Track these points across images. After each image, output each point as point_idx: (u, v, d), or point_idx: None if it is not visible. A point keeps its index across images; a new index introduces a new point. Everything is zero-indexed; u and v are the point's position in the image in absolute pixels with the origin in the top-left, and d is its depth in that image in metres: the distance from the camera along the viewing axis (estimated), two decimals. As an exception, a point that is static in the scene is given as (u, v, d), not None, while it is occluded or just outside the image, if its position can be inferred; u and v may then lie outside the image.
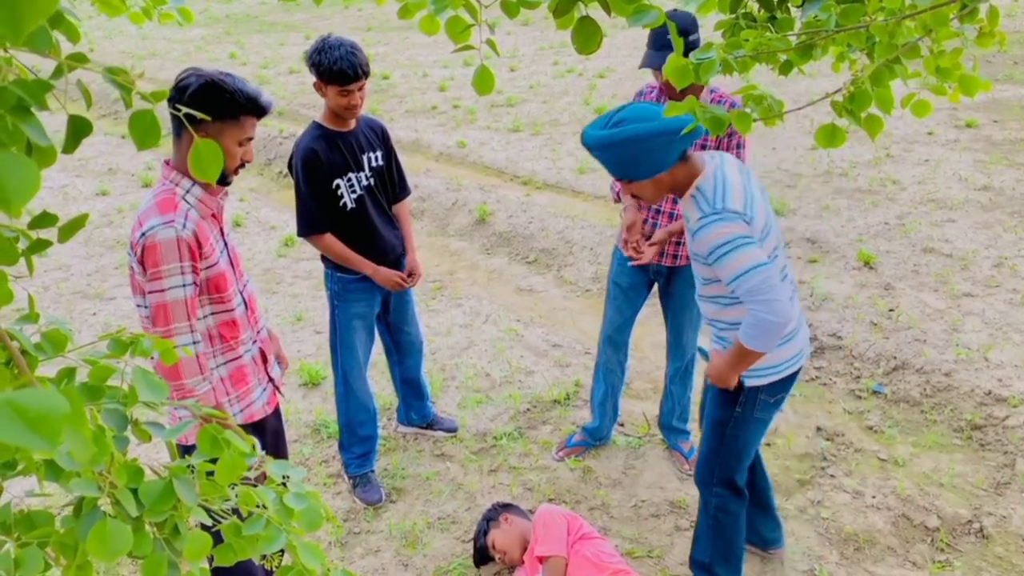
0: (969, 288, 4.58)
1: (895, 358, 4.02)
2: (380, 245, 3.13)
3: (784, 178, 6.55)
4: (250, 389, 2.38)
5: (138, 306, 2.17)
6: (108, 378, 1.04)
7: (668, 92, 2.95)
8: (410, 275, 3.24)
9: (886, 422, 3.66)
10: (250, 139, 2.15)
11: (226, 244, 2.29)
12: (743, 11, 1.86)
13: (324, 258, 3.17)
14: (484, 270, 5.67)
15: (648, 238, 3.09)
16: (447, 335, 4.70)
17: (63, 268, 6.08)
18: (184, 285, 2.06)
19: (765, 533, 2.91)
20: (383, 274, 3.11)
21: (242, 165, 2.19)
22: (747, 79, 1.68)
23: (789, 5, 1.82)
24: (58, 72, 0.75)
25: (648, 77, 8.34)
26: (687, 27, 2.79)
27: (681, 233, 3.04)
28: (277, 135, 8.00)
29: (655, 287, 3.38)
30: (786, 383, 2.44)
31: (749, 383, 2.39)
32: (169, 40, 16.94)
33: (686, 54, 2.96)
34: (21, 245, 1.04)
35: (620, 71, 10.42)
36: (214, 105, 2.03)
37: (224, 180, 2.19)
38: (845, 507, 3.15)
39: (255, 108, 2.11)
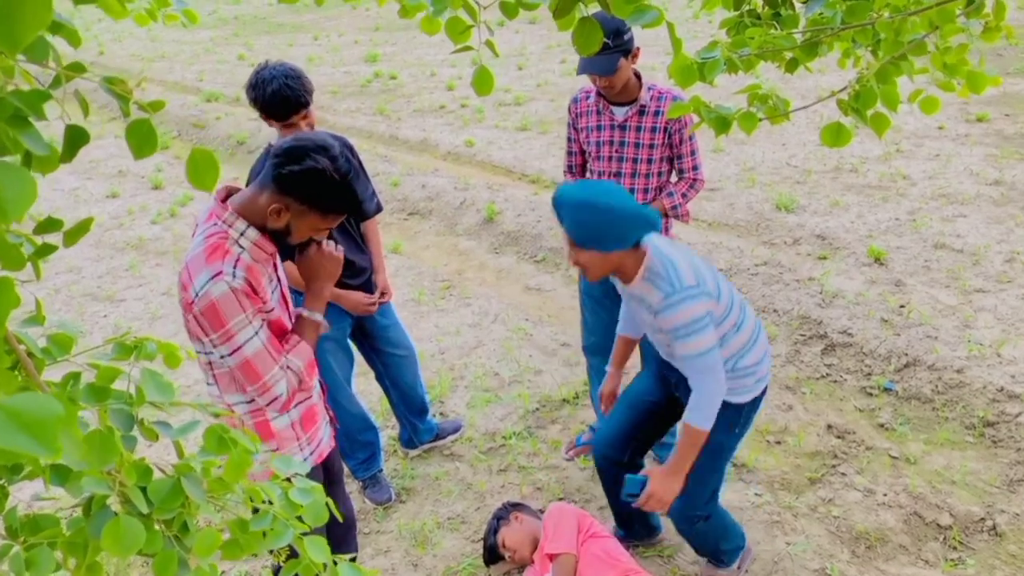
0: (981, 284, 4.55)
1: (906, 355, 3.99)
2: (348, 270, 2.99)
3: (793, 174, 6.52)
4: (318, 428, 2.29)
5: (198, 352, 2.03)
6: (114, 380, 1.05)
7: (607, 95, 2.95)
8: (381, 295, 3.14)
9: (897, 419, 3.64)
10: (328, 229, 2.03)
11: (279, 281, 2.15)
12: (748, 8, 1.85)
13: None
14: (492, 269, 5.67)
15: None
16: (456, 335, 4.70)
17: (74, 271, 6.11)
18: (256, 333, 1.95)
19: (651, 521, 2.99)
20: (350, 300, 3.01)
21: (308, 243, 2.08)
22: (755, 76, 1.67)
23: (794, 2, 1.81)
24: (56, 82, 0.75)
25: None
26: (619, 26, 2.73)
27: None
28: (286, 136, 8.05)
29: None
30: (759, 401, 2.53)
31: (738, 400, 2.46)
32: (178, 42, 17.01)
33: (620, 53, 2.91)
34: (27, 250, 1.04)
35: (628, 68, 10.39)
36: (311, 192, 1.90)
37: (283, 247, 2.05)
38: (856, 505, 3.13)
39: (353, 212, 1.99)
